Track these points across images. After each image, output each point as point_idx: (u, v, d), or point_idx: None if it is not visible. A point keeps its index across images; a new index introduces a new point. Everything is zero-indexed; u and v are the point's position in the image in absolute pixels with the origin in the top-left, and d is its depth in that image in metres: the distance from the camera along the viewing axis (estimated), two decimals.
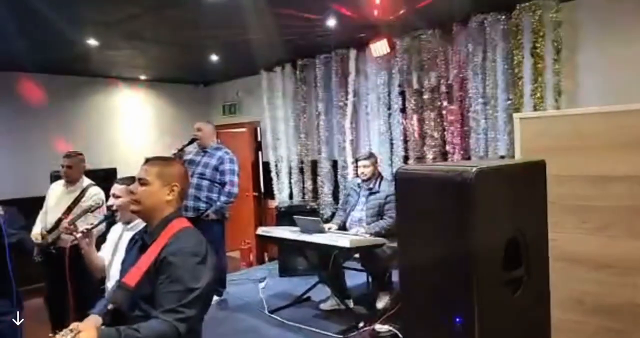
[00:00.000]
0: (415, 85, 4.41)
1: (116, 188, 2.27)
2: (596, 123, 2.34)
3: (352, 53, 4.87)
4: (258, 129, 6.34)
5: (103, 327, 1.51)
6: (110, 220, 2.34)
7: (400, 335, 3.15)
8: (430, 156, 4.26)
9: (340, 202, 4.31)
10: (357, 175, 4.79)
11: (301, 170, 5.55)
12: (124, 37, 4.10)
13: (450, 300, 1.70)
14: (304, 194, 5.56)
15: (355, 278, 4.24)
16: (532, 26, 3.68)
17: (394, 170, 4.49)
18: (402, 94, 4.53)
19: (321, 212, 5.13)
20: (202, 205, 3.99)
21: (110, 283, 2.24)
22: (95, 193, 3.82)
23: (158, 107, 6.64)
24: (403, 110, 4.54)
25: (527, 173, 1.83)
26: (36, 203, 3.89)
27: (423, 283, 1.86)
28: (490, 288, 1.65)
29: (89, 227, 2.26)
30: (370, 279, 3.98)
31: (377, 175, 4.00)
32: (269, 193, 5.98)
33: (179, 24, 3.95)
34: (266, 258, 5.92)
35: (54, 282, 3.78)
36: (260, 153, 6.39)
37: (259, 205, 6.27)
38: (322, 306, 3.88)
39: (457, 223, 1.64)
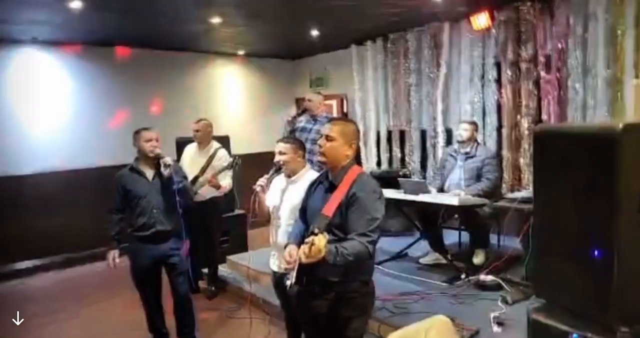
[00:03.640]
0: (512, 57, 4.60)
1: (281, 146, 2.71)
2: None
3: (446, 26, 5.09)
4: (345, 100, 6.71)
5: None
6: (278, 173, 2.78)
7: (503, 284, 3.52)
8: (525, 125, 4.50)
9: (438, 166, 4.64)
10: (449, 144, 5.12)
11: (389, 140, 5.91)
12: (247, 15, 4.55)
13: (590, 238, 2.03)
14: (390, 162, 5.93)
15: (448, 237, 4.61)
16: None
17: (486, 138, 4.79)
18: (497, 65, 4.74)
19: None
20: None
21: (280, 221, 2.72)
22: (224, 154, 4.39)
23: (250, 81, 7.20)
24: (497, 80, 4.75)
25: None
26: None
27: (561, 226, 2.19)
28: (628, 228, 1.96)
29: (265, 180, 2.72)
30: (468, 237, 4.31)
31: (474, 141, 4.27)
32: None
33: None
34: None
35: (193, 230, 4.42)
36: None
37: None
38: (423, 260, 4.29)
39: (601, 174, 1.94)
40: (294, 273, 2.05)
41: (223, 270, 4.78)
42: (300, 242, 2.20)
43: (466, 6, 4.45)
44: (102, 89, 5.83)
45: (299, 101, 7.72)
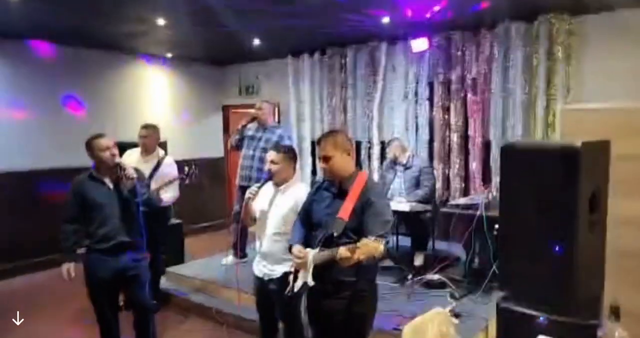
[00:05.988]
0: (442, 78, 5.11)
1: (273, 155, 2.75)
2: (622, 114, 3.12)
3: (383, 45, 5.48)
4: (277, 109, 6.79)
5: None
6: (267, 180, 2.81)
7: (448, 282, 3.90)
8: (454, 140, 5.02)
9: (378, 177, 4.96)
10: (383, 155, 5.50)
11: None
12: (193, 20, 4.46)
13: (552, 237, 2.41)
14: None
15: None
16: (548, 34, 4.48)
17: (418, 150, 5.24)
18: (430, 84, 5.23)
19: None
20: (264, 176, 4.47)
21: (267, 229, 2.75)
22: (171, 162, 4.24)
23: (177, 85, 6.95)
24: (430, 99, 5.24)
25: (601, 147, 2.57)
26: None
27: (525, 228, 2.56)
28: (583, 226, 2.38)
29: (256, 189, 2.74)
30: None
31: (408, 153, 4.64)
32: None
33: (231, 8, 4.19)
34: None
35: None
36: None
37: None
38: None
39: (563, 182, 2.34)
40: (309, 274, 2.14)
41: (162, 282, 4.56)
42: (304, 245, 2.30)
43: (406, 29, 4.86)
44: (13, 87, 5.25)
45: (226, 109, 7.63)
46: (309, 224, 2.36)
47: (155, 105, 6.65)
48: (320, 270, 2.14)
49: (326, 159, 2.23)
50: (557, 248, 2.42)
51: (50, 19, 4.45)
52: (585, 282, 2.40)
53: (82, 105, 5.78)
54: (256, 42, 5.56)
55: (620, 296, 2.70)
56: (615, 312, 1.76)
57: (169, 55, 6.55)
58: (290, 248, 2.31)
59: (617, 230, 2.66)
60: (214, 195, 7.25)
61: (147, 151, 4.21)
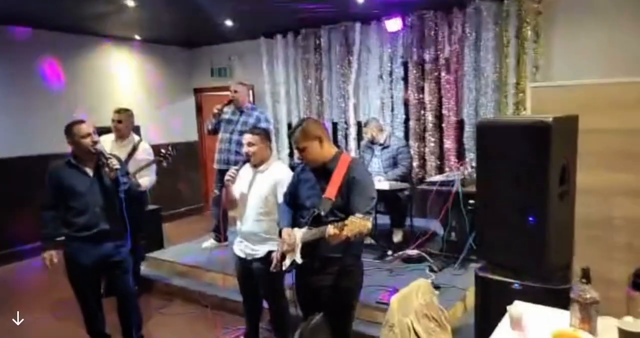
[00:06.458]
0: (417, 58, 5.17)
1: (249, 137, 2.77)
2: (588, 91, 3.25)
3: (357, 25, 5.47)
4: (251, 91, 6.73)
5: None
6: (245, 163, 2.83)
7: (426, 256, 4.03)
8: (429, 118, 5.11)
9: (358, 157, 5.03)
10: (360, 136, 5.55)
11: None
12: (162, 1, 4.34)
13: (526, 208, 2.53)
14: None
15: None
16: (517, 14, 4.57)
17: (394, 130, 5.32)
18: (404, 64, 5.27)
19: None
20: (242, 158, 4.46)
21: (247, 210, 2.78)
22: (146, 148, 4.17)
23: (146, 68, 6.77)
24: (405, 79, 5.30)
25: (570, 122, 2.69)
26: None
27: (500, 200, 2.66)
28: (553, 197, 2.50)
29: (235, 172, 2.76)
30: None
31: (385, 133, 4.71)
32: None
33: None
34: None
35: None
36: None
37: None
38: None
39: (535, 155, 2.44)
40: (297, 253, 2.19)
41: (142, 268, 4.54)
42: (293, 226, 2.34)
43: (380, 9, 4.87)
44: None
45: (198, 92, 7.50)
46: (296, 205, 2.40)
47: (125, 89, 6.49)
48: (308, 248, 2.19)
49: (300, 150, 2.29)
50: (530, 218, 2.55)
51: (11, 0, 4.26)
52: (556, 249, 2.54)
53: (49, 90, 5.58)
54: (228, 23, 5.46)
55: (588, 262, 2.89)
56: (586, 275, 1.87)
57: (138, 37, 6.37)
58: (280, 233, 2.34)
59: (583, 199, 2.83)
60: (190, 179, 7.20)
61: (122, 137, 4.14)
